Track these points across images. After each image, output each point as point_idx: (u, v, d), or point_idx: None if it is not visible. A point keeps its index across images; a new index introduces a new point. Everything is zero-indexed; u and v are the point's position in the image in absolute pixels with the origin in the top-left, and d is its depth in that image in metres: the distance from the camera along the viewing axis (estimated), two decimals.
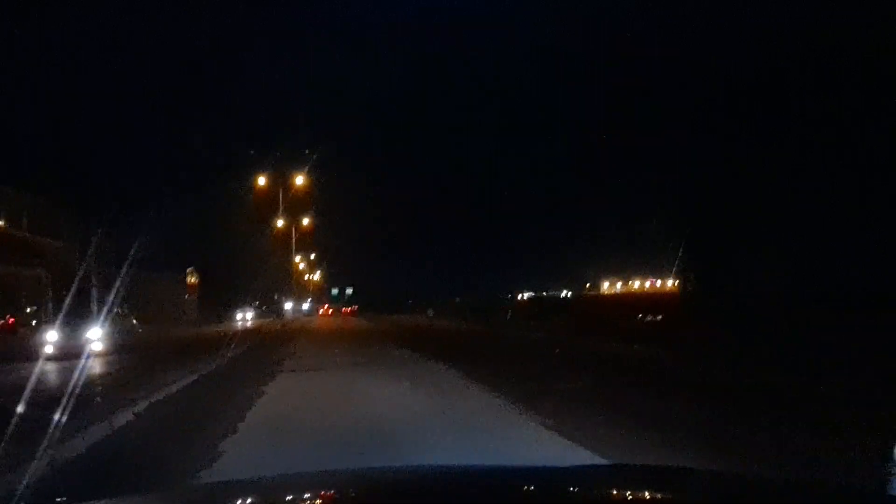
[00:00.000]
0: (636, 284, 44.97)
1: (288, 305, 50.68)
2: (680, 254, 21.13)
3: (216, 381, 10.52)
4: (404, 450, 5.79)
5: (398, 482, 2.18)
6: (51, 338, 16.24)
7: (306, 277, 68.78)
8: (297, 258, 52.53)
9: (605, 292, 48.11)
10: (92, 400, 8.17)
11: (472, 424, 6.93)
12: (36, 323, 25.26)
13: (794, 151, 17.85)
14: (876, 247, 16.07)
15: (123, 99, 57.23)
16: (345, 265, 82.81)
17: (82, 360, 12.70)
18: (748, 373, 10.89)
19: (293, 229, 43.75)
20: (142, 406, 7.77)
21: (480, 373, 10.62)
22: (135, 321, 21.96)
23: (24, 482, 4.33)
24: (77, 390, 7.23)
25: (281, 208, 39.25)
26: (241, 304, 44.87)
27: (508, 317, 38.42)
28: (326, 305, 67.78)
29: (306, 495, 2.05)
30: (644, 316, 25.92)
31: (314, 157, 36.03)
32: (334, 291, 76.74)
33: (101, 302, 18.79)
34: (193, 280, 50.62)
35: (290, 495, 2.04)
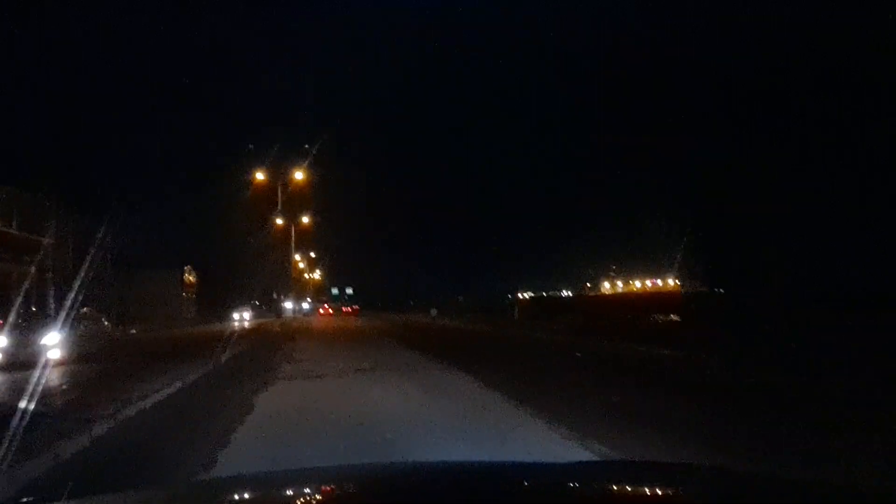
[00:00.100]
0: (637, 284, 44.96)
1: (288, 305, 50.46)
2: (680, 254, 21.15)
3: (190, 399, 8.48)
4: None
5: (402, 477, 2.17)
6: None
7: (306, 276, 68.74)
8: (297, 256, 52.37)
9: (606, 292, 48.10)
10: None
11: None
12: None
13: (795, 151, 17.87)
14: (876, 247, 16.09)
15: (122, 96, 57.31)
16: (345, 265, 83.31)
17: (37, 371, 10.84)
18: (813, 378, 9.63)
19: (292, 227, 43.59)
20: (68, 447, 5.38)
21: (513, 385, 8.87)
22: (106, 322, 19.03)
23: None
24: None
25: (280, 204, 39.02)
26: (239, 302, 44.59)
27: (517, 317, 37.97)
28: (326, 305, 67.71)
29: (306, 490, 2.03)
30: (658, 316, 24.99)
31: (313, 153, 35.81)
32: (334, 291, 76.80)
33: (63, 301, 16.50)
34: (191, 278, 50.22)
35: (289, 491, 2.03)
